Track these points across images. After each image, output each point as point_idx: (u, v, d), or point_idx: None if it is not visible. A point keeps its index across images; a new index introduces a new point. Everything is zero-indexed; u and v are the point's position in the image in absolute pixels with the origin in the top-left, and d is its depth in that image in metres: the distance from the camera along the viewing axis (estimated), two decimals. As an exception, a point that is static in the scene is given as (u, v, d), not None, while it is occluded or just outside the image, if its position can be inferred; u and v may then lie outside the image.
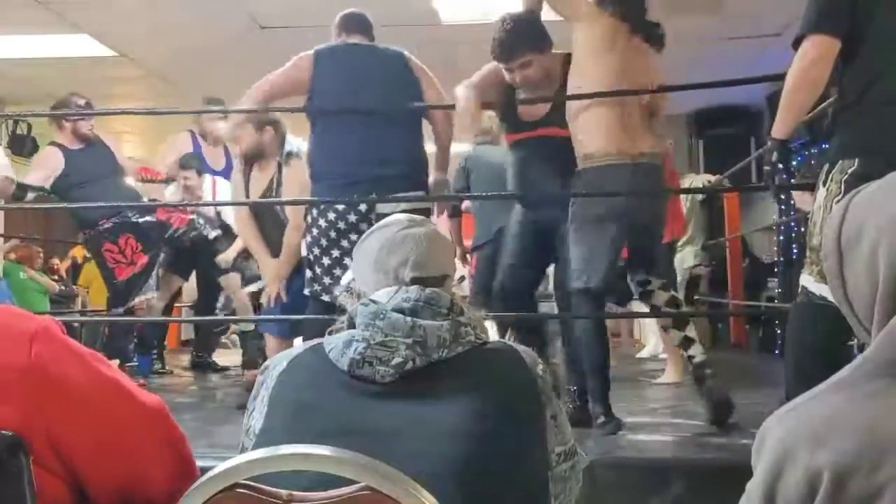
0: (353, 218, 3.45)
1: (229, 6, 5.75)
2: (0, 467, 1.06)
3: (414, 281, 1.39)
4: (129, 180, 5.20)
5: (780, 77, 2.60)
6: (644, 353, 6.43)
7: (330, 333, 1.39)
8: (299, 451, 1.06)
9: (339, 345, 1.32)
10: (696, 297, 7.23)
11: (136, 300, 4.82)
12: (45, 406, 1.13)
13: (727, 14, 5.95)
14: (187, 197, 5.10)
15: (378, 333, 1.31)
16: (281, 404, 1.33)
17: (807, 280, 2.47)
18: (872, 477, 0.82)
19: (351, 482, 1.01)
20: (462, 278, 5.69)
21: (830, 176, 2.41)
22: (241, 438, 1.41)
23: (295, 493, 1.04)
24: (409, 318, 1.32)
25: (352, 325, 1.36)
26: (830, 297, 2.42)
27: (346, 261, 3.44)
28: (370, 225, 3.25)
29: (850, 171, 2.34)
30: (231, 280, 5.04)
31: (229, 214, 5.05)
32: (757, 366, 5.78)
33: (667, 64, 3.40)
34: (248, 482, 1.02)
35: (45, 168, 4.84)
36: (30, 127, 8.16)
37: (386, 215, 3.08)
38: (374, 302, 1.36)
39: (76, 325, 6.77)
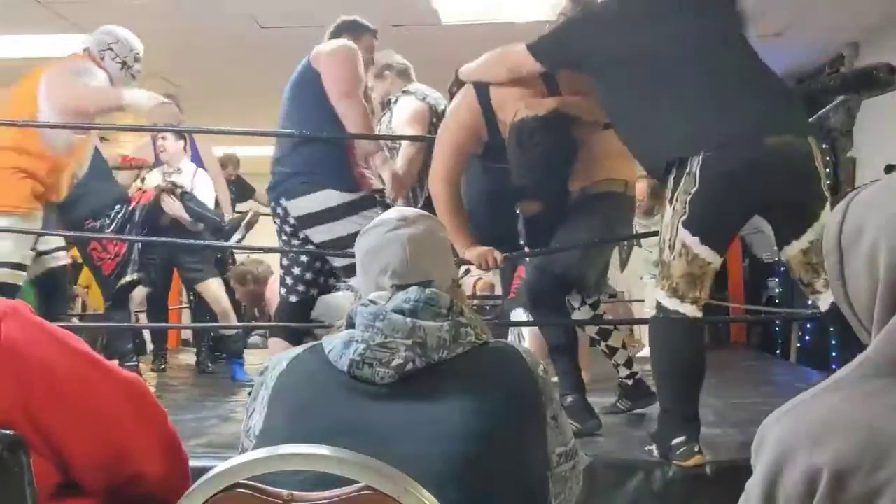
0: (276, 221, 3.37)
1: (229, 6, 5.75)
2: (1, 466, 1.06)
3: (395, 289, 1.38)
4: (118, 175, 5.24)
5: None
6: (644, 353, 6.42)
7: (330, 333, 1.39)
8: (299, 451, 1.06)
9: (338, 346, 1.32)
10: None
11: (124, 280, 4.82)
12: (20, 385, 1.13)
13: (727, 14, 5.94)
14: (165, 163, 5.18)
15: (378, 335, 1.31)
16: (281, 405, 1.33)
17: (660, 295, 2.52)
18: (872, 476, 0.81)
19: (351, 482, 1.01)
20: (467, 271, 5.59)
21: (675, 195, 2.46)
22: (241, 439, 1.41)
23: (295, 492, 1.04)
24: (409, 319, 1.31)
25: (351, 325, 1.36)
26: (682, 311, 2.50)
27: (285, 261, 3.44)
28: (289, 227, 3.27)
29: (692, 191, 2.41)
30: (209, 286, 5.04)
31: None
32: (757, 365, 5.76)
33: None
34: (248, 482, 1.02)
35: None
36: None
37: (301, 215, 3.14)
38: (373, 302, 1.36)
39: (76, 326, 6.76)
